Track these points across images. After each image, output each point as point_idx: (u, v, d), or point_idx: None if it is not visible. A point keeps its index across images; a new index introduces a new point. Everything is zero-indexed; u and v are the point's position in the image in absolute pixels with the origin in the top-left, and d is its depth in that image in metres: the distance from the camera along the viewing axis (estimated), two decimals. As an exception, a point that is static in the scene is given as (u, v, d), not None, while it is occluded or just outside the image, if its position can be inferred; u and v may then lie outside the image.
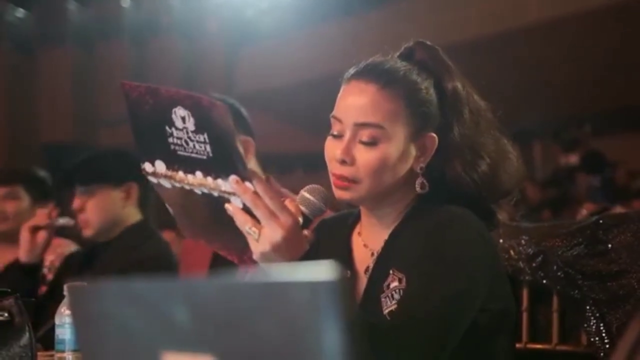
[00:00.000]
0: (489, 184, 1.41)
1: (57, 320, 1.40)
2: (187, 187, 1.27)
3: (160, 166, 1.28)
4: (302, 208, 1.31)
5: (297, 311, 0.57)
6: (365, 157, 1.35)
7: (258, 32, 9.94)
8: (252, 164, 2.11)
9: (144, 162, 1.30)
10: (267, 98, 8.09)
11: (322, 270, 0.57)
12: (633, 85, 7.22)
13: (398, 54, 1.46)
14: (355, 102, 1.37)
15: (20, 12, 10.43)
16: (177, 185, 1.28)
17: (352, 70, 1.40)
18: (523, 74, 7.82)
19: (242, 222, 1.24)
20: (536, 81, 7.77)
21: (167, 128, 1.23)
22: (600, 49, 7.34)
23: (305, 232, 1.29)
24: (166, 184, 1.29)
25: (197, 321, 0.64)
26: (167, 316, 0.65)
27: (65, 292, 1.35)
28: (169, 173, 1.28)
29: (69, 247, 2.94)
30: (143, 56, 10.43)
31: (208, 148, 1.21)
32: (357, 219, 1.49)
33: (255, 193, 1.22)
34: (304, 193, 1.34)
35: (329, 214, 1.88)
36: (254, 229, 1.23)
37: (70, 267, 2.57)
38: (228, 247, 1.34)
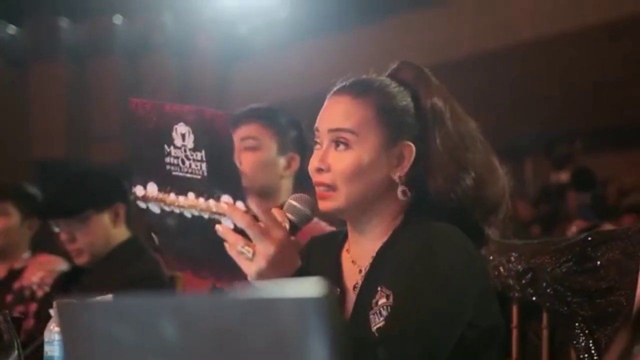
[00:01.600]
0: (474, 199, 1.42)
1: (45, 337, 1.40)
2: (177, 211, 1.27)
3: (152, 189, 1.28)
4: (290, 216, 1.34)
5: (285, 327, 0.58)
6: (339, 162, 1.38)
7: (250, 49, 9.98)
8: (287, 181, 2.15)
9: (135, 185, 1.30)
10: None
11: (309, 287, 0.57)
12: (624, 103, 7.27)
13: (386, 74, 1.49)
14: (330, 111, 1.42)
15: (12, 29, 10.44)
16: (167, 209, 1.28)
17: (334, 88, 1.45)
18: (515, 91, 7.86)
19: (234, 242, 1.24)
20: (528, 98, 7.80)
21: (165, 147, 1.24)
22: (592, 67, 7.39)
23: (293, 238, 1.31)
24: (155, 208, 1.29)
25: (186, 337, 0.64)
26: (156, 332, 0.65)
27: (54, 309, 1.34)
28: (160, 196, 1.28)
29: (59, 264, 2.93)
30: (135, 73, 10.44)
31: (204, 167, 1.22)
32: (346, 236, 1.50)
33: (247, 212, 1.23)
34: (291, 201, 1.37)
35: (317, 229, 1.88)
36: (247, 247, 1.24)
37: (60, 285, 2.56)
38: (217, 274, 1.33)
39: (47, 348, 1.39)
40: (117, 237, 2.47)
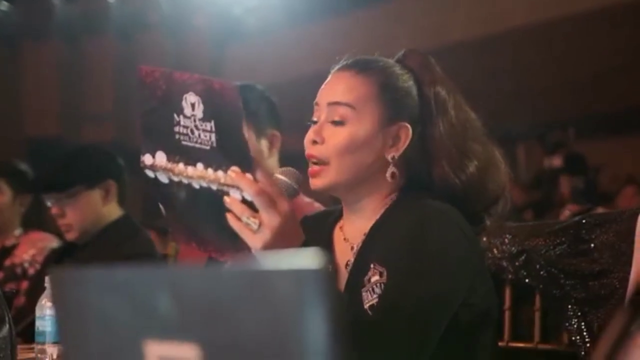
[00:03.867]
0: (477, 189, 1.42)
1: (37, 312, 1.39)
2: (185, 181, 1.25)
3: (160, 158, 1.27)
4: None
5: (281, 299, 0.57)
6: (333, 136, 1.38)
7: (245, 30, 9.93)
8: (273, 160, 2.10)
9: (144, 154, 1.28)
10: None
11: (306, 259, 0.56)
12: (618, 90, 7.27)
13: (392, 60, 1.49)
14: (331, 86, 1.42)
15: (4, 6, 10.36)
16: (175, 179, 1.26)
17: (337, 66, 1.45)
18: (509, 78, 7.85)
19: (240, 212, 1.22)
20: (521, 84, 7.80)
21: (175, 116, 1.23)
22: (585, 54, 7.39)
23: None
24: (163, 178, 1.27)
25: (181, 309, 0.64)
26: (150, 304, 0.65)
27: (47, 281, 1.33)
28: (169, 165, 1.26)
29: (51, 241, 2.92)
30: (129, 52, 10.39)
31: (213, 137, 1.21)
32: (340, 214, 1.50)
33: (255, 181, 1.22)
34: (278, 175, 1.37)
35: (312, 209, 1.88)
36: (252, 219, 1.22)
37: (52, 262, 2.55)
38: (221, 248, 1.31)
39: (38, 323, 1.38)
40: (109, 215, 2.46)
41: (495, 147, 1.47)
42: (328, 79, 1.44)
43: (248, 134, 2.06)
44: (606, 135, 7.39)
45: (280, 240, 1.22)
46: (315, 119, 1.42)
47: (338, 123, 1.38)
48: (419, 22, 8.14)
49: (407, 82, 1.43)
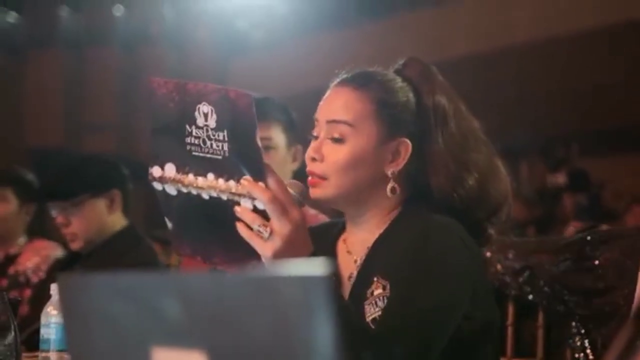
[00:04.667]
0: (477, 200, 1.42)
1: (42, 320, 1.39)
2: (195, 192, 1.25)
3: (170, 170, 1.26)
4: None
5: (288, 306, 0.57)
6: (333, 153, 1.38)
7: (250, 44, 9.96)
8: (290, 174, 2.08)
9: (152, 166, 1.27)
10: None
11: (313, 266, 0.57)
12: (621, 106, 7.28)
13: (392, 70, 1.49)
14: (330, 102, 1.42)
15: (11, 16, 10.41)
16: (184, 190, 1.25)
17: (337, 79, 1.45)
18: (512, 93, 7.86)
19: (252, 221, 1.22)
20: (525, 100, 7.81)
21: (187, 127, 1.22)
22: (589, 70, 7.40)
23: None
24: (172, 190, 1.27)
25: (188, 315, 0.64)
26: (158, 310, 0.65)
27: (54, 287, 1.33)
28: (178, 177, 1.25)
29: (54, 250, 2.92)
30: (133, 64, 10.42)
31: (225, 147, 1.20)
32: (343, 227, 1.50)
33: (268, 189, 1.21)
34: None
35: (316, 221, 1.88)
36: (263, 227, 1.22)
37: (56, 272, 2.55)
38: (229, 260, 1.30)
39: (43, 331, 1.38)
40: (113, 225, 2.46)
41: (495, 154, 1.47)
42: (327, 93, 1.44)
43: (279, 141, 2.08)
44: (609, 152, 7.39)
45: (290, 249, 1.21)
46: (315, 134, 1.42)
47: (337, 140, 1.38)
48: (424, 35, 8.17)
49: (406, 95, 1.43)
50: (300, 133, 2.11)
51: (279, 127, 2.10)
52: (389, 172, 1.40)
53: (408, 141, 1.41)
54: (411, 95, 1.43)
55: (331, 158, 1.38)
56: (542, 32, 7.71)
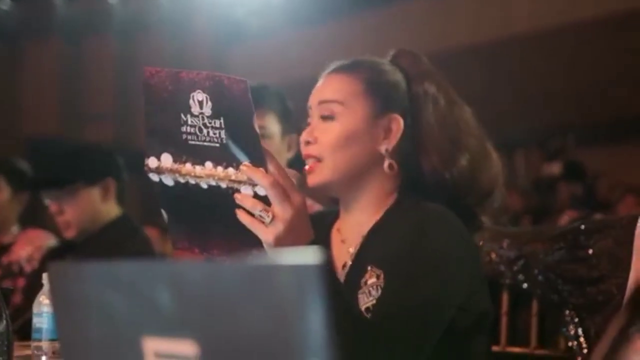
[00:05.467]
0: (468, 182, 1.42)
1: (34, 309, 1.39)
2: (193, 181, 1.24)
3: (166, 160, 1.25)
4: None
5: (281, 295, 0.57)
6: (325, 132, 1.39)
7: (247, 32, 9.93)
8: (284, 164, 2.05)
9: (148, 157, 1.26)
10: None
11: (306, 255, 0.56)
12: (618, 98, 7.28)
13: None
14: (321, 87, 1.44)
15: (5, 4, 10.36)
16: (182, 180, 1.24)
17: (328, 69, 1.47)
18: (509, 84, 7.86)
19: (252, 206, 1.21)
20: (522, 91, 7.81)
21: (182, 116, 1.22)
22: (588, 62, 7.40)
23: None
24: (169, 181, 1.26)
25: (180, 304, 0.63)
26: (149, 299, 0.64)
27: (45, 277, 1.33)
28: (175, 166, 1.24)
29: (48, 239, 2.91)
30: (130, 51, 10.39)
31: (223, 134, 1.19)
32: (337, 216, 1.50)
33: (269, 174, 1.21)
34: None
35: (311, 210, 1.87)
36: (265, 212, 1.21)
37: (49, 261, 2.54)
38: (228, 251, 1.29)
39: (35, 320, 1.38)
40: (107, 213, 2.46)
41: (486, 139, 1.48)
42: (319, 82, 1.46)
43: (274, 130, 2.07)
44: (606, 143, 7.40)
45: (292, 234, 1.20)
46: (309, 121, 1.44)
47: (328, 118, 1.40)
48: (422, 26, 8.16)
49: (396, 75, 1.45)
50: (295, 122, 2.10)
51: (274, 115, 2.09)
52: (383, 149, 1.41)
53: (399, 117, 1.42)
54: (401, 77, 1.45)
55: (324, 138, 1.39)
56: (540, 25, 7.71)
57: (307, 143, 1.41)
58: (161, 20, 10.43)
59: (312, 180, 1.40)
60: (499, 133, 1.64)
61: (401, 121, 1.42)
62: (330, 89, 1.43)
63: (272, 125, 2.08)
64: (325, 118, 1.40)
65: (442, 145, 1.42)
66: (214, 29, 10.34)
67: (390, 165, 1.41)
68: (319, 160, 1.39)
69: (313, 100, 1.44)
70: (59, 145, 7.71)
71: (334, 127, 1.39)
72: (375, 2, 8.82)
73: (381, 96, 1.42)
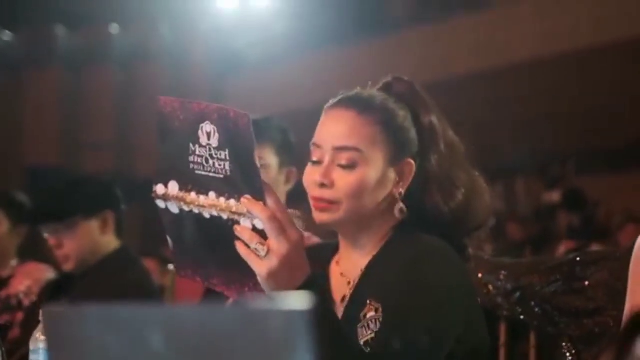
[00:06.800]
0: (463, 215, 1.43)
1: (31, 346, 1.39)
2: (196, 210, 1.26)
3: (173, 187, 1.28)
4: None
5: (273, 339, 0.58)
6: (344, 180, 1.37)
7: (246, 62, 9.99)
8: (282, 197, 2.04)
9: (156, 184, 1.29)
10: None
11: (298, 300, 0.57)
12: (618, 125, 7.31)
13: (377, 88, 1.50)
14: (334, 128, 1.41)
15: (7, 35, 10.43)
16: (186, 208, 1.27)
17: (331, 102, 1.45)
18: (509, 112, 7.89)
19: (250, 239, 1.22)
20: (522, 119, 7.84)
21: (191, 145, 1.24)
22: (586, 89, 7.44)
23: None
24: (174, 208, 1.28)
25: (174, 347, 0.64)
26: (144, 342, 0.65)
27: (41, 317, 1.33)
28: (181, 195, 1.27)
29: (46, 272, 2.91)
30: (130, 82, 10.44)
31: (227, 166, 1.22)
32: (336, 248, 1.50)
33: (267, 208, 1.22)
34: None
35: (308, 241, 1.88)
36: (261, 245, 1.22)
37: (48, 294, 2.54)
38: (227, 281, 1.31)
39: (32, 357, 1.38)
40: (106, 246, 2.46)
41: (477, 172, 1.49)
42: (323, 117, 1.44)
43: (271, 162, 2.07)
44: (606, 170, 7.41)
45: (286, 269, 1.21)
46: (315, 159, 1.41)
47: (348, 167, 1.38)
48: (421, 54, 8.21)
49: (405, 117, 1.44)
50: (295, 154, 2.11)
51: (271, 147, 2.10)
52: (397, 194, 1.41)
53: (412, 162, 1.42)
54: (408, 115, 1.45)
55: (342, 183, 1.37)
56: (540, 52, 7.76)
57: (322, 185, 1.38)
58: (161, 51, 10.51)
59: (322, 218, 1.39)
60: (498, 161, 1.66)
61: (414, 165, 1.42)
62: (345, 131, 1.39)
63: (269, 157, 2.09)
64: (343, 164, 1.38)
65: (443, 182, 1.43)
66: (213, 58, 10.41)
67: (401, 210, 1.41)
68: (334, 204, 1.38)
69: (325, 142, 1.40)
70: (59, 175, 7.72)
71: (354, 175, 1.37)
72: (377, 30, 8.89)
73: (397, 142, 1.41)
